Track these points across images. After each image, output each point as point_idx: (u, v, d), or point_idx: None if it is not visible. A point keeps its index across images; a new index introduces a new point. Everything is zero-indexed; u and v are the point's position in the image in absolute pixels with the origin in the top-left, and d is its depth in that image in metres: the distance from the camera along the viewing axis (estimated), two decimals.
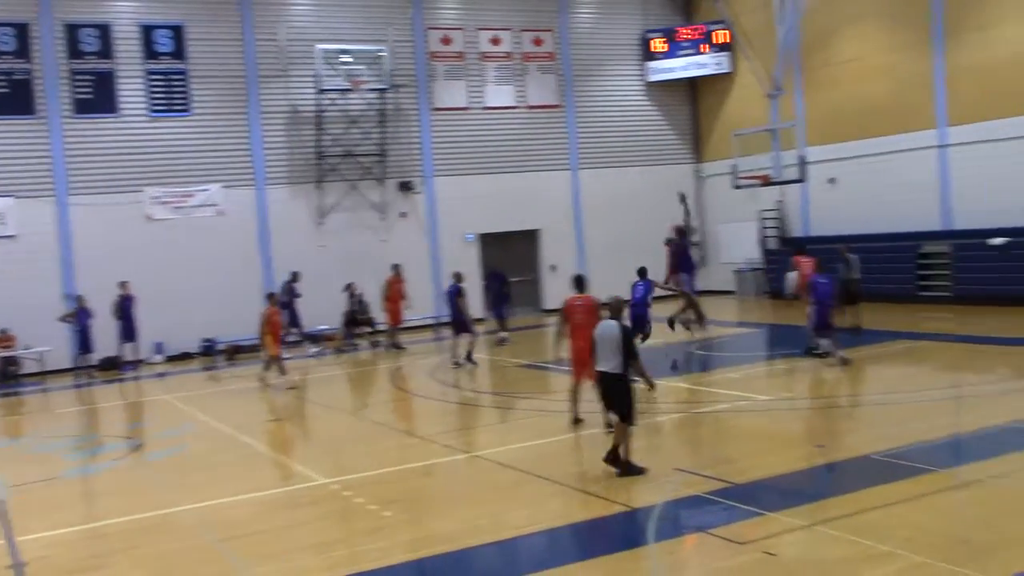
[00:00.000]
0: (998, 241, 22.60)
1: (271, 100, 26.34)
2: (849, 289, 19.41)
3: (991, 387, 13.92)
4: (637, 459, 10.57)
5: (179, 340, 24.88)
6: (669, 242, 21.76)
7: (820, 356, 16.94)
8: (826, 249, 22.70)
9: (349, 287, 24.55)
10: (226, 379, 21.49)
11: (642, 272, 18.59)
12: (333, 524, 9.73)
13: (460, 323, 20.18)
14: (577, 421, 13.02)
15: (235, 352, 24.52)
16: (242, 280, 25.49)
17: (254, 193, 26.10)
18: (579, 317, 12.85)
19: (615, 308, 10.78)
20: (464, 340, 20.05)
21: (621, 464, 10.37)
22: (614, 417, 10.86)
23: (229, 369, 22.90)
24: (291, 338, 23.23)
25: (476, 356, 20.04)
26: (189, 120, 25.39)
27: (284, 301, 23.31)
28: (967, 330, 19.70)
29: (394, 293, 23.49)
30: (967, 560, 7.27)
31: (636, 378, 10.76)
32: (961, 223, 24.16)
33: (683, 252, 21.43)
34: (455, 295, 20.27)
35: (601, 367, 10.59)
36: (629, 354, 10.37)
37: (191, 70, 25.37)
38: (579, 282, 13.48)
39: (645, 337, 17.99)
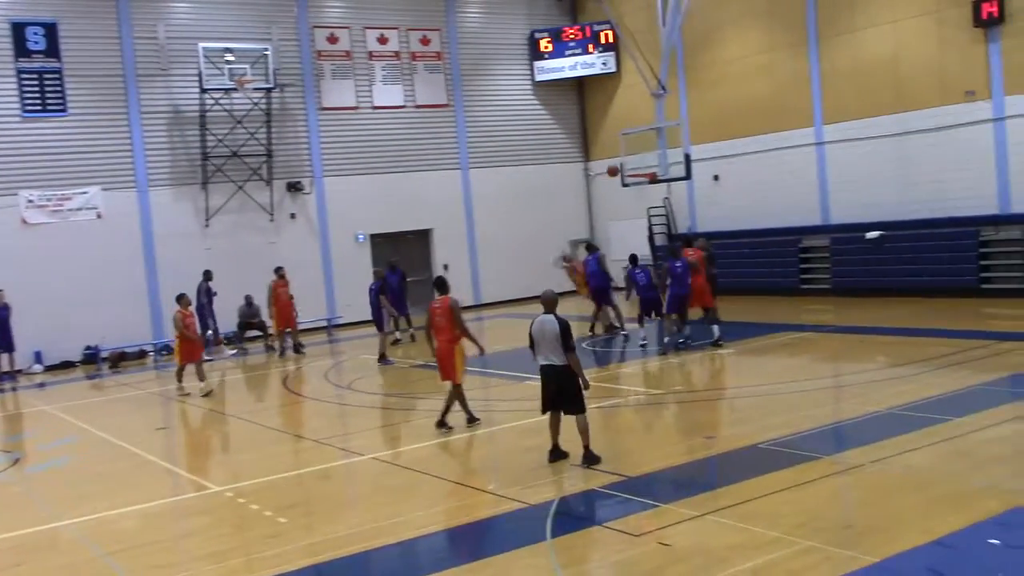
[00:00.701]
0: (873, 234, 23.55)
1: (152, 100, 25.62)
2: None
3: (869, 375, 14.48)
4: (537, 455, 10.65)
5: (60, 348, 24.01)
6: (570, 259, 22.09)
7: (717, 344, 17.83)
8: (712, 244, 23.42)
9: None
10: (111, 387, 20.84)
11: (634, 259, 19.53)
12: (228, 532, 9.54)
13: (380, 321, 20.16)
14: (472, 420, 13.04)
15: (119, 359, 23.82)
16: (125, 285, 24.79)
17: (136, 195, 25.36)
18: (437, 319, 12.83)
19: (549, 302, 10.77)
20: (380, 338, 20.13)
21: (588, 455, 10.44)
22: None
23: (114, 377, 22.21)
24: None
25: (366, 357, 19.93)
26: (66, 120, 24.49)
27: (202, 303, 22.82)
28: (846, 321, 20.48)
29: (279, 297, 22.91)
30: (851, 543, 7.57)
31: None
32: (838, 218, 25.10)
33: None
34: (379, 292, 20.19)
35: (543, 361, 10.57)
36: (567, 347, 10.38)
37: (66, 69, 24.47)
38: (438, 284, 13.37)
39: (659, 315, 18.60)
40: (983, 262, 21.96)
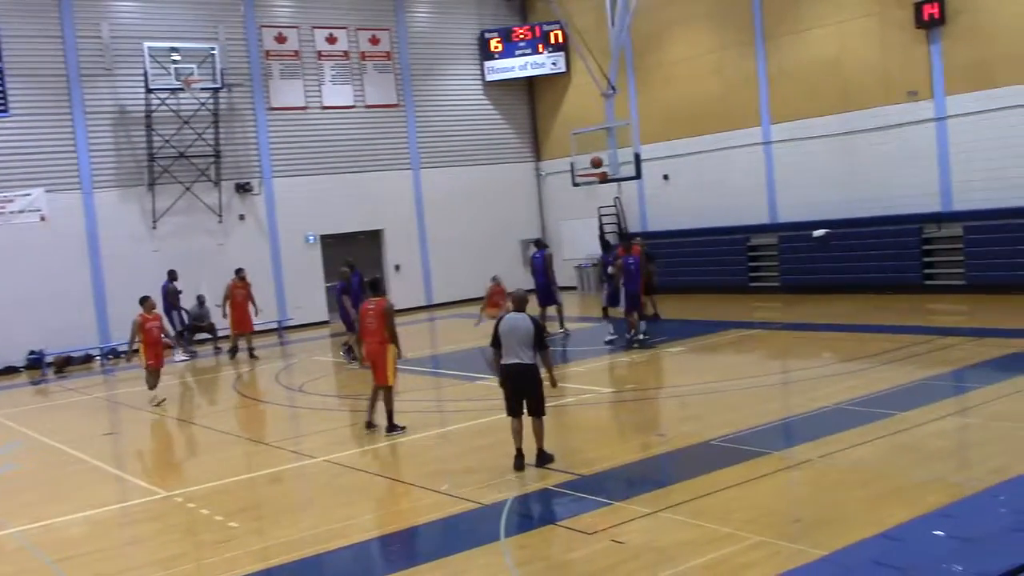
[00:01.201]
0: (820, 233, 23.88)
1: (96, 100, 25.20)
2: (647, 281, 20.29)
3: (816, 371, 14.69)
4: (490, 455, 10.66)
5: (3, 353, 23.53)
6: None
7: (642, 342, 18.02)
8: (662, 243, 23.77)
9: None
10: (56, 393, 20.48)
11: (607, 246, 19.02)
12: (177, 538, 9.43)
13: (348, 321, 20.02)
14: (370, 425, 12.99)
15: (65, 364, 23.41)
16: (70, 289, 24.37)
17: (81, 197, 24.93)
18: (369, 321, 12.82)
19: (520, 301, 10.69)
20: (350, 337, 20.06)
21: (542, 454, 10.41)
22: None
23: (59, 382, 21.82)
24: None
25: (317, 359, 19.77)
26: (7, 121, 23.98)
27: (169, 304, 22.58)
28: (794, 318, 20.75)
29: (235, 299, 22.33)
30: (800, 537, 7.68)
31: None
32: (786, 216, 25.41)
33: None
34: (342, 292, 20.03)
35: (511, 360, 10.34)
36: (541, 344, 10.34)
37: (7, 68, 23.98)
38: (373, 286, 13.41)
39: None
40: (926, 259, 22.36)
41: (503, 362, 10.43)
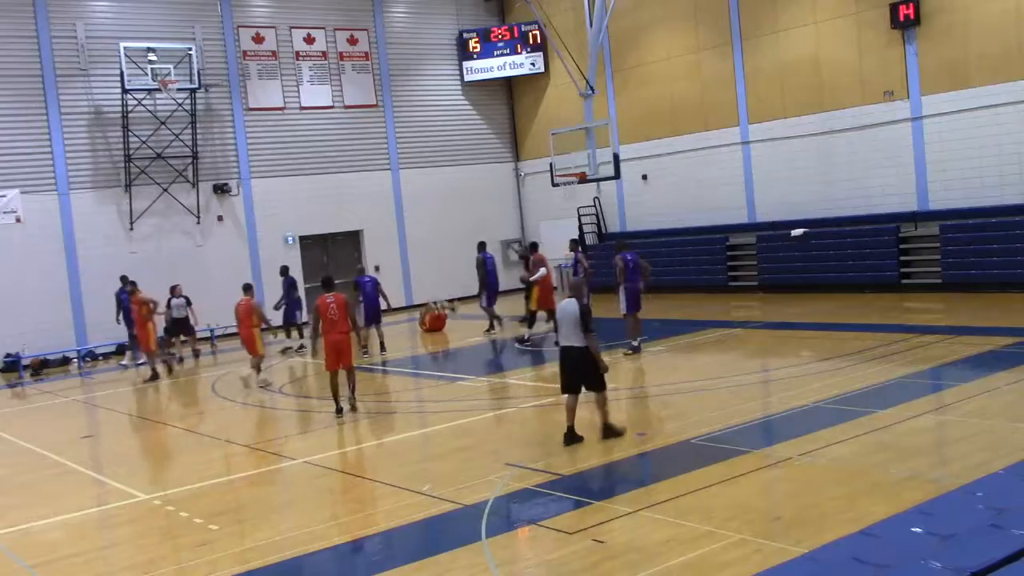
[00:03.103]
0: (798, 232, 24.00)
1: (72, 100, 25.00)
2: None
3: (796, 370, 14.76)
4: (470, 455, 10.65)
5: None
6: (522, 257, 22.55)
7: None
8: (641, 243, 23.86)
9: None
10: (33, 395, 20.31)
11: (623, 246, 18.78)
12: (156, 541, 9.38)
13: (376, 313, 20.47)
14: (340, 410, 14.06)
15: (41, 366, 23.22)
16: (47, 291, 24.17)
17: (56, 198, 24.73)
18: (331, 314, 13.99)
19: (574, 287, 11.42)
20: (374, 331, 20.55)
21: (607, 428, 11.06)
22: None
23: (36, 385, 21.64)
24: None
25: (293, 360, 19.66)
26: None
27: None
28: (772, 317, 20.85)
29: (135, 313, 20.62)
30: (780, 535, 7.72)
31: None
32: (764, 216, 25.53)
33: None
34: (374, 286, 20.66)
35: (564, 343, 11.10)
36: (587, 328, 10.85)
37: None
38: (328, 283, 14.73)
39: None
40: (903, 258, 22.50)
41: (560, 344, 11.22)
